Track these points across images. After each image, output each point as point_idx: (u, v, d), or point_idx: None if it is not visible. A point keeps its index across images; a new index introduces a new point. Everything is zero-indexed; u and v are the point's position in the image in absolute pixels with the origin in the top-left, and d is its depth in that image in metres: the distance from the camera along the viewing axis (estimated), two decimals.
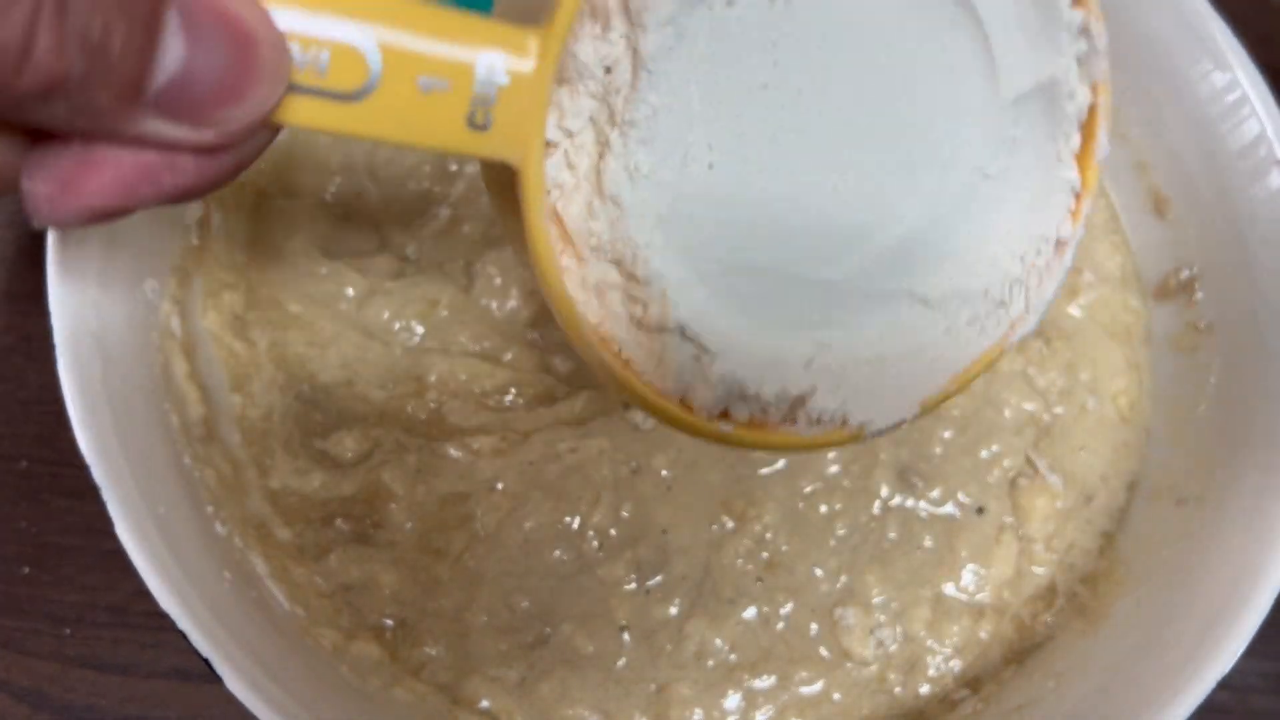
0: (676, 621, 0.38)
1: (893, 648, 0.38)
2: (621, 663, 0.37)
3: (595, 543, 0.39)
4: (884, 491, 0.40)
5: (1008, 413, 0.42)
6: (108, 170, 0.19)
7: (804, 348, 0.27)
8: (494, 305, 0.41)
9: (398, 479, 0.39)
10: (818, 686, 0.38)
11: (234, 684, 0.28)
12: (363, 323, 0.41)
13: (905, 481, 0.40)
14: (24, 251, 0.46)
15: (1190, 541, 0.37)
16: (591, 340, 0.25)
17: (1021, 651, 0.39)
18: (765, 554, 0.39)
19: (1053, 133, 0.27)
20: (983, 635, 0.39)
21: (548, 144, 0.24)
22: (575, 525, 0.39)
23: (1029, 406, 0.42)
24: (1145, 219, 0.44)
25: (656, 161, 0.24)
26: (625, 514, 0.39)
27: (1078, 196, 0.28)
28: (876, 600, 0.39)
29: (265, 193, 0.42)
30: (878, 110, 0.26)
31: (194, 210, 0.39)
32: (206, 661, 0.28)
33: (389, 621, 0.37)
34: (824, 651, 0.38)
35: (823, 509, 0.40)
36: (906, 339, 0.28)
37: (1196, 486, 0.38)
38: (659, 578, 0.38)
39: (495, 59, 0.22)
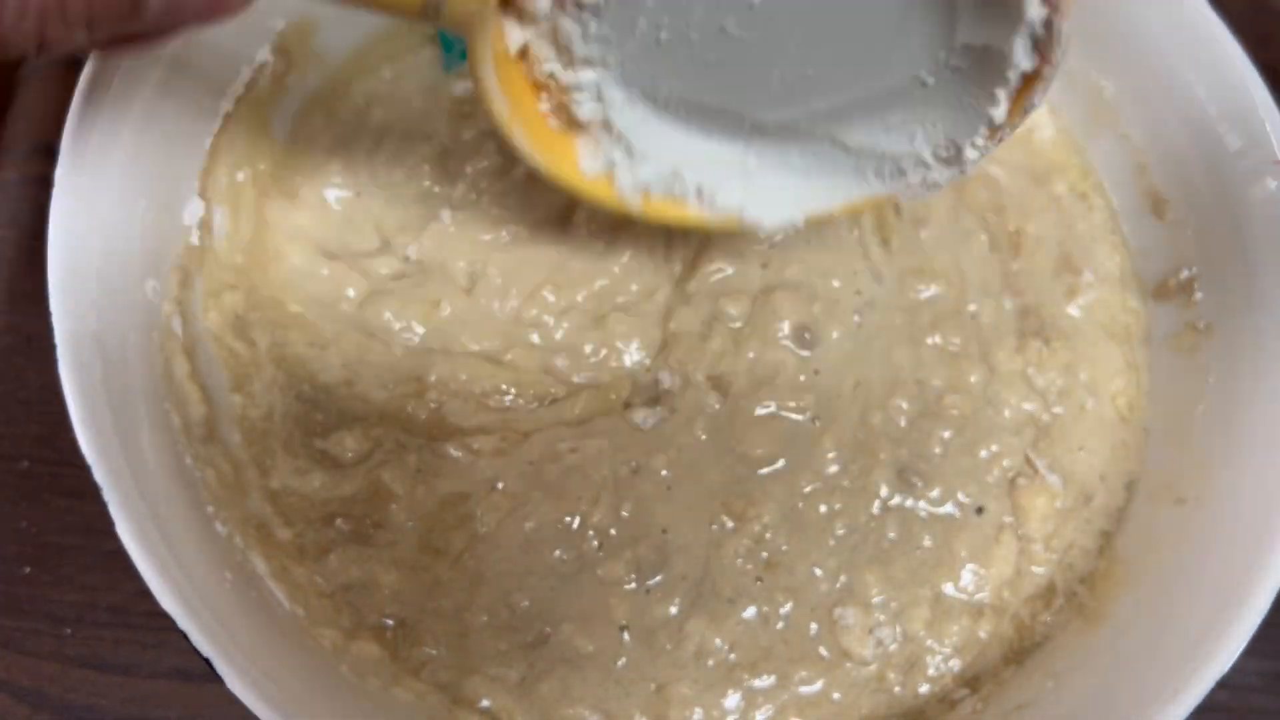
0: (676, 621, 0.38)
1: (892, 647, 0.39)
2: (621, 662, 0.37)
3: (595, 542, 0.39)
4: (883, 491, 0.40)
5: (1007, 412, 0.42)
6: None
7: (730, 154, 0.37)
8: (495, 305, 0.42)
9: (398, 479, 0.39)
10: (817, 686, 0.38)
11: (235, 684, 0.28)
12: (363, 323, 0.41)
13: (905, 481, 0.40)
14: (25, 252, 0.46)
15: (1189, 541, 0.37)
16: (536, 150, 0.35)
17: (1021, 651, 0.39)
18: (765, 554, 0.39)
19: (991, 78, 0.32)
20: (982, 635, 0.39)
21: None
22: (575, 525, 0.39)
23: (1028, 406, 0.42)
24: (1144, 220, 0.44)
25: (608, 30, 0.32)
26: (625, 514, 0.39)
27: (995, 129, 0.33)
28: (876, 600, 0.39)
29: (266, 193, 0.42)
30: (838, 20, 0.32)
31: (194, 210, 0.39)
32: (207, 661, 0.28)
33: (389, 621, 0.37)
34: (823, 651, 0.38)
35: (822, 509, 0.40)
36: (819, 165, 0.37)
37: (1195, 486, 0.38)
38: (659, 577, 0.38)
39: None
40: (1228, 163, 0.39)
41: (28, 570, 0.42)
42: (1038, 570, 0.40)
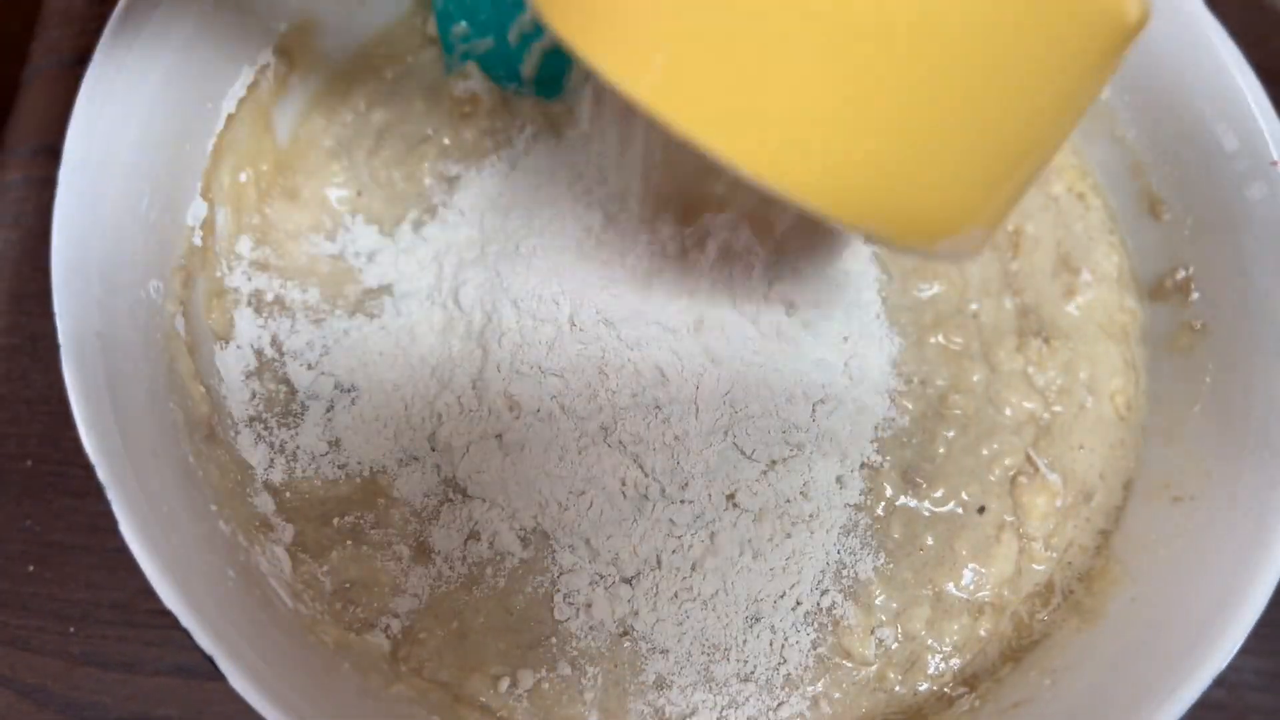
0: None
1: (893, 646, 0.39)
2: (622, 661, 0.38)
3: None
4: (889, 492, 0.40)
5: (1008, 411, 0.42)
6: None
7: None
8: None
9: (399, 479, 0.39)
10: (818, 685, 0.38)
11: (237, 681, 0.29)
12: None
13: (909, 481, 0.40)
14: (28, 253, 0.46)
15: (1186, 540, 0.37)
16: None
17: (1019, 649, 0.39)
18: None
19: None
20: (982, 633, 0.39)
21: None
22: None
23: (1029, 405, 0.42)
24: (1141, 220, 0.44)
25: None
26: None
27: None
28: (878, 600, 0.39)
29: (267, 193, 0.43)
30: None
31: (197, 211, 0.39)
32: (210, 659, 0.29)
33: (390, 619, 0.37)
34: (824, 651, 0.38)
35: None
36: None
37: (1192, 485, 0.38)
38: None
39: None
40: (1224, 163, 0.39)
41: (32, 569, 0.42)
42: (1038, 568, 0.40)
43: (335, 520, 0.38)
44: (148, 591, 0.29)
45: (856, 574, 0.39)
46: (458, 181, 0.43)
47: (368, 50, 0.46)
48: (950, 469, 0.41)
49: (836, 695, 0.38)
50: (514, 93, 0.45)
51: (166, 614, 0.29)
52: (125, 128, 0.35)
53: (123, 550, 0.29)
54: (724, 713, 0.37)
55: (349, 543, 0.38)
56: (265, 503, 0.38)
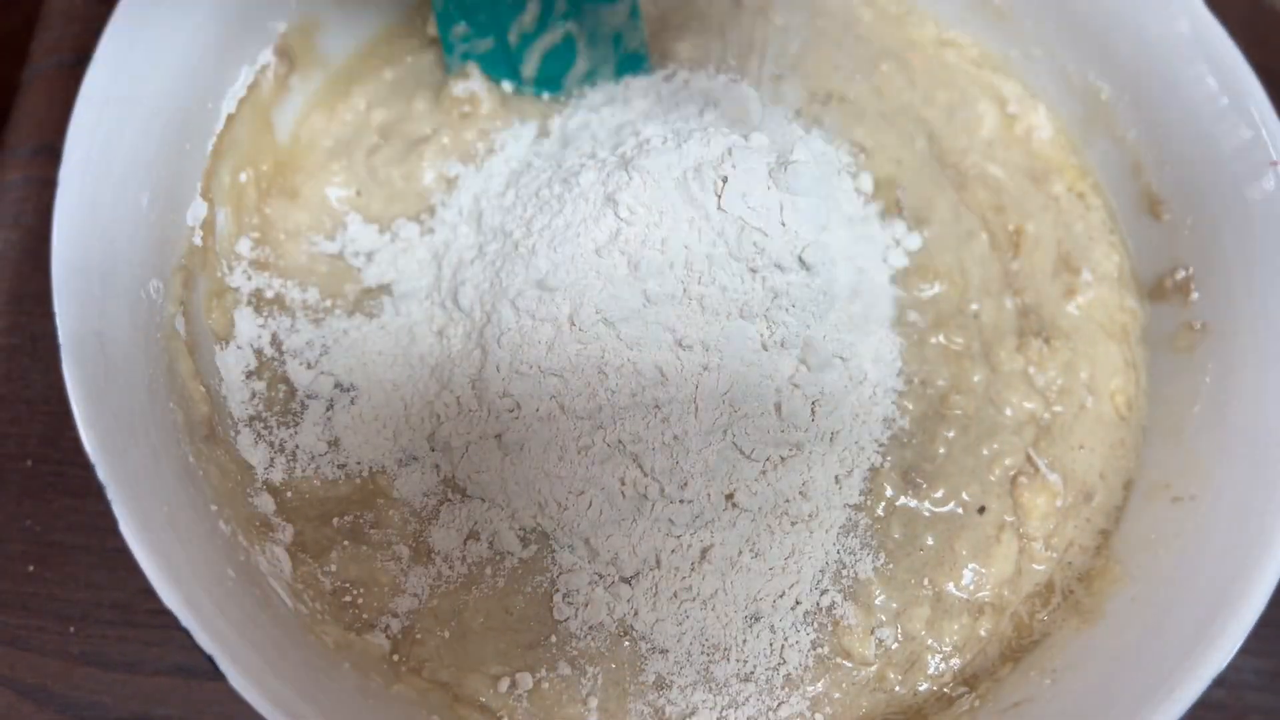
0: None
1: (893, 646, 0.39)
2: (622, 661, 0.38)
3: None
4: (889, 492, 0.40)
5: (1009, 411, 0.42)
6: None
7: None
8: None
9: (399, 479, 0.39)
10: (818, 685, 0.38)
11: (237, 681, 0.29)
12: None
13: (909, 482, 0.40)
14: (28, 253, 0.46)
15: (1185, 539, 0.37)
16: None
17: (1019, 649, 0.39)
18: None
19: None
20: (982, 633, 0.39)
21: None
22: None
23: (1029, 405, 0.42)
24: (1141, 220, 0.44)
25: None
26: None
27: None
28: (878, 600, 0.39)
29: (267, 192, 0.43)
30: None
31: (197, 211, 0.39)
32: (210, 659, 0.29)
33: (390, 619, 0.37)
34: (824, 651, 0.38)
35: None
36: None
37: (1192, 485, 0.39)
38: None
39: None
40: (1224, 163, 0.39)
41: (32, 569, 0.42)
42: (1038, 568, 0.40)
43: (335, 520, 0.38)
44: (148, 591, 0.29)
45: (856, 574, 0.39)
46: (457, 181, 0.43)
47: (368, 50, 0.46)
48: (950, 469, 0.41)
49: (836, 695, 0.38)
50: (514, 92, 0.45)
51: (166, 614, 0.29)
52: (125, 128, 0.35)
53: (123, 550, 0.29)
54: (724, 713, 0.37)
55: (349, 543, 0.38)
56: (265, 503, 0.38)
